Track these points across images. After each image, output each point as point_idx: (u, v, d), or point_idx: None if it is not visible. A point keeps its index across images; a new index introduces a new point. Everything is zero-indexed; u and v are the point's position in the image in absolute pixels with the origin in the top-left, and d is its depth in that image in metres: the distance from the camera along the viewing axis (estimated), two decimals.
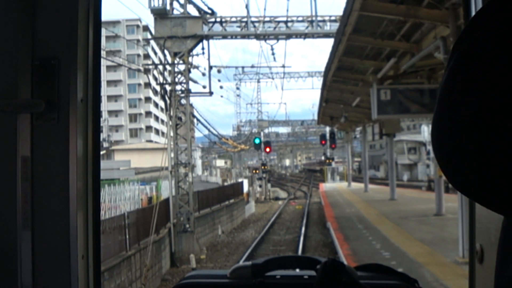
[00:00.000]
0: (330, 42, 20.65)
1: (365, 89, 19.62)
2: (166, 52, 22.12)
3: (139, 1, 24.41)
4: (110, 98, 79.21)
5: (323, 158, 57.93)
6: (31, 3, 1.23)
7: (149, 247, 15.37)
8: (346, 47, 15.58)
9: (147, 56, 72.79)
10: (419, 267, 10.26)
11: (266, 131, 58.24)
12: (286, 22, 22.30)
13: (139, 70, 50.51)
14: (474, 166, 0.56)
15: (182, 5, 21.18)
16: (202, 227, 23.13)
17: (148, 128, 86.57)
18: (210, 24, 21.62)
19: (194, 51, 21.68)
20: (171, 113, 21.59)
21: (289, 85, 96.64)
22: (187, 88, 21.71)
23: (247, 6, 22.46)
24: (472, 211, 1.36)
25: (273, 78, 47.97)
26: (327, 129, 44.94)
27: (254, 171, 53.25)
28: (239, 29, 22.02)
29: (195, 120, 27.52)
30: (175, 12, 21.14)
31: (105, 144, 51.99)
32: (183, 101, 22.07)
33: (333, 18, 22.09)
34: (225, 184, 39.78)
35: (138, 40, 64.44)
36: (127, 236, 14.54)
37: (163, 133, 77.80)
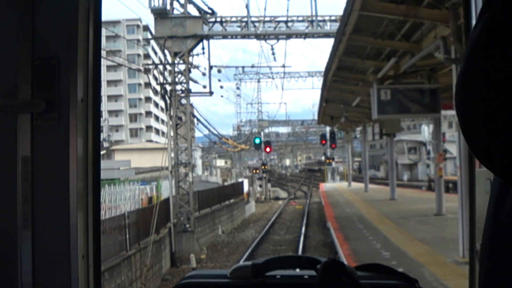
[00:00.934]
0: (330, 42, 20.66)
1: (365, 89, 19.63)
2: (166, 52, 22.12)
3: (139, 1, 24.44)
4: (110, 98, 79.19)
5: (322, 158, 57.98)
6: (31, 3, 1.23)
7: (149, 247, 15.37)
8: (346, 47, 15.58)
9: (147, 56, 72.78)
10: (419, 267, 10.26)
11: (266, 131, 58.25)
12: (286, 22, 22.30)
13: (139, 70, 50.54)
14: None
15: (182, 5, 21.18)
16: (202, 227, 23.13)
17: (148, 128, 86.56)
18: (210, 24, 21.62)
19: (194, 51, 21.70)
20: (171, 113, 21.59)
21: (289, 85, 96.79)
22: (187, 88, 21.71)
23: (247, 6, 22.51)
24: (472, 211, 1.36)
25: (273, 78, 48.00)
26: (327, 129, 44.97)
27: (254, 171, 53.25)
28: (239, 29, 22.02)
29: (195, 120, 27.52)
30: (175, 12, 21.15)
31: (105, 144, 51.99)
32: (183, 101, 22.08)
33: (333, 18, 22.08)
34: (225, 184, 39.78)
35: (138, 40, 64.42)
36: (127, 236, 14.54)
37: (163, 133, 77.80)
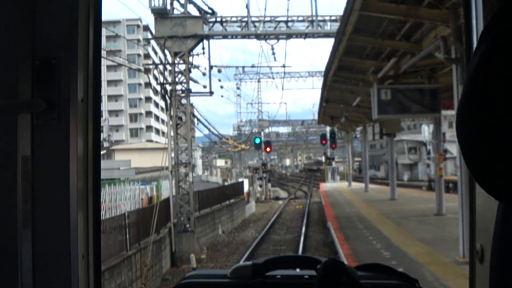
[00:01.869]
0: (330, 42, 20.67)
1: (366, 89, 19.63)
2: (166, 51, 22.11)
3: (139, 1, 24.39)
4: (110, 97, 79.19)
5: (322, 158, 57.91)
6: (31, 3, 1.23)
7: (150, 246, 15.37)
8: (346, 47, 15.58)
9: (147, 56, 72.75)
10: (420, 267, 10.25)
11: (266, 130, 58.25)
12: (286, 22, 22.30)
13: (139, 70, 50.51)
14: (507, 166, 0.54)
15: (182, 5, 21.18)
16: (202, 227, 23.13)
17: (149, 127, 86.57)
18: (211, 24, 21.62)
19: (195, 51, 21.71)
20: (172, 113, 21.59)
21: (290, 85, 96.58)
22: (188, 87, 21.72)
23: (247, 6, 22.44)
24: (472, 211, 1.36)
25: (273, 78, 47.99)
26: (328, 128, 44.97)
27: (254, 171, 53.24)
28: (239, 29, 22.01)
29: (195, 120, 27.52)
30: (175, 12, 21.15)
31: (106, 144, 52.01)
32: (184, 100, 22.08)
33: (333, 18, 22.08)
34: (226, 184, 39.79)
35: (138, 40, 64.44)
36: (128, 236, 14.54)
37: (163, 133, 77.81)
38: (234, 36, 22.50)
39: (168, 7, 20.85)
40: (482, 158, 0.57)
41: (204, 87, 23.10)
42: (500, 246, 0.63)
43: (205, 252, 20.53)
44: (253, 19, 22.09)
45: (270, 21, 22.19)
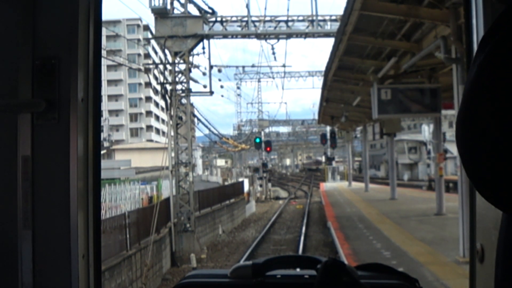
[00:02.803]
0: (330, 41, 20.67)
1: (366, 88, 19.62)
2: (166, 51, 22.10)
3: (139, 1, 24.37)
4: (110, 97, 79.21)
5: (322, 158, 57.90)
6: (32, 3, 1.23)
7: (150, 246, 15.38)
8: (346, 46, 15.57)
9: (147, 56, 72.70)
10: (420, 266, 10.25)
11: (266, 130, 58.27)
12: (286, 21, 22.29)
13: (139, 70, 50.49)
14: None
15: (182, 5, 21.18)
16: (202, 227, 23.13)
17: (149, 127, 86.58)
18: (211, 24, 21.62)
19: (195, 51, 21.70)
20: (172, 113, 21.59)
21: (290, 84, 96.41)
22: (188, 87, 21.71)
23: (247, 6, 22.43)
24: (472, 210, 1.36)
25: (273, 78, 48.03)
26: (328, 128, 44.96)
27: (254, 171, 53.24)
28: (239, 29, 22.01)
29: (195, 120, 27.51)
30: (175, 11, 21.14)
31: (106, 144, 52.01)
32: (184, 100, 22.07)
33: (333, 17, 22.08)
34: (226, 183, 39.79)
35: (138, 40, 64.40)
36: (128, 236, 14.55)
37: (163, 133, 77.77)
38: (234, 35, 22.50)
39: (168, 6, 20.84)
40: (483, 167, 0.58)
41: (204, 86, 23.11)
42: (505, 244, 0.63)
43: (205, 251, 20.53)
44: (253, 18, 22.09)
45: (270, 21, 22.18)
